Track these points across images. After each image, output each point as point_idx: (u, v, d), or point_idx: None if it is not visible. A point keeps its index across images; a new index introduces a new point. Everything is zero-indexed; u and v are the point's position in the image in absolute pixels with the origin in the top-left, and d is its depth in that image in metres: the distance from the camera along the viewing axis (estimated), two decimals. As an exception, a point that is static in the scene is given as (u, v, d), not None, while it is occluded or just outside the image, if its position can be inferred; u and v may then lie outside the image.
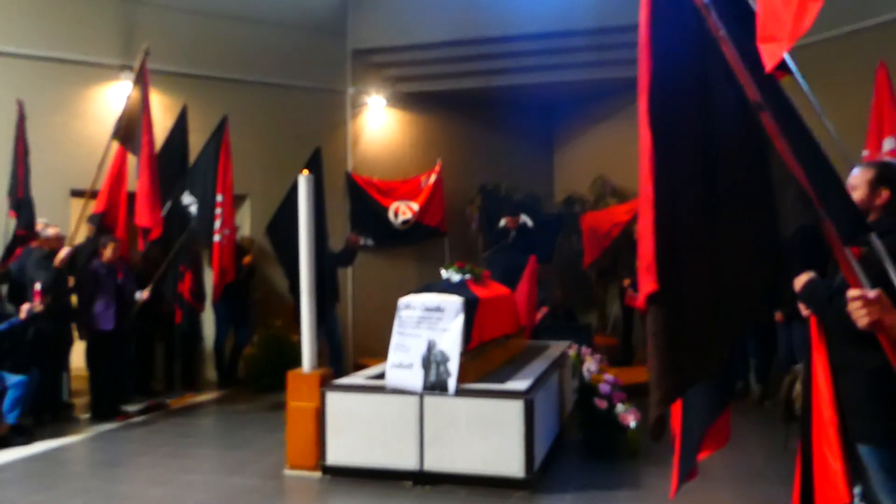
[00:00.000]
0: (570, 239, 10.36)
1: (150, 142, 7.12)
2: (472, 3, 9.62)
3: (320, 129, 9.89)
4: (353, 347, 9.85)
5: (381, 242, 10.31)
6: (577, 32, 9.35)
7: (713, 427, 2.98)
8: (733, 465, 5.24)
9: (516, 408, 4.79)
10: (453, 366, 5.03)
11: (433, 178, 10.43)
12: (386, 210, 10.31)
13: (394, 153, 10.67)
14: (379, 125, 10.58)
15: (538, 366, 5.89)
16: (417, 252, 10.56)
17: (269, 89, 9.66)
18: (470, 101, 10.78)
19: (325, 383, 5.31)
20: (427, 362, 5.08)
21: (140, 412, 7.38)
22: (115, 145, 7.25)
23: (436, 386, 5.00)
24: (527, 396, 4.84)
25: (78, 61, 8.54)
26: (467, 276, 5.87)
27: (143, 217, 7.02)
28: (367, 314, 9.97)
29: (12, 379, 6.23)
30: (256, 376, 8.53)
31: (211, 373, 9.09)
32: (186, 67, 9.11)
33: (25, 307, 6.44)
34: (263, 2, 9.66)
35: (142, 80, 7.24)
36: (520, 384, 5.07)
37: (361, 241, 9.61)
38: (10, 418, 6.19)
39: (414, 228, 10.40)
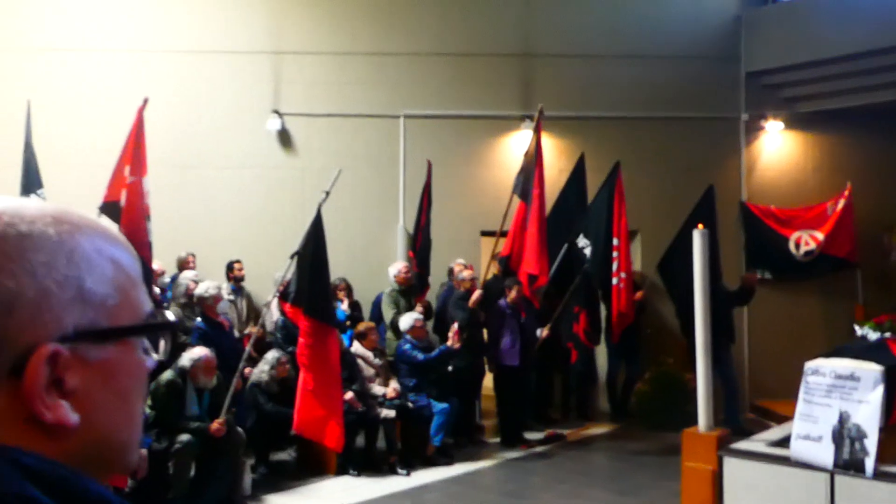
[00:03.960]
0: None
1: (540, 195, 7.69)
2: (892, 9, 8.53)
3: (712, 158, 9.64)
4: (749, 387, 9.38)
5: (780, 275, 9.65)
6: None
7: None
8: None
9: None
10: (871, 444, 4.53)
11: (841, 203, 9.45)
12: (786, 240, 9.61)
13: (793, 179, 9.91)
14: (775, 149, 9.93)
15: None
16: (822, 286, 9.65)
17: (660, 124, 9.69)
18: (884, 116, 9.54)
19: (723, 446, 5.18)
20: (839, 437, 4.65)
21: (540, 442, 7.95)
22: (516, 199, 7.95)
23: (849, 465, 4.55)
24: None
25: (485, 116, 9.55)
26: (887, 335, 5.23)
27: (531, 264, 7.60)
28: (765, 352, 9.40)
29: (437, 406, 7.20)
30: (648, 412, 8.60)
31: (604, 404, 9.41)
32: (580, 111, 9.58)
33: (450, 343, 7.36)
34: (653, 37, 9.74)
35: (536, 138, 7.85)
36: (958, 472, 4.37)
37: (759, 277, 9.10)
38: (436, 441, 7.16)
39: (818, 260, 9.53)
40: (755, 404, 8.92)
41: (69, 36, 9.36)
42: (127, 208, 6.48)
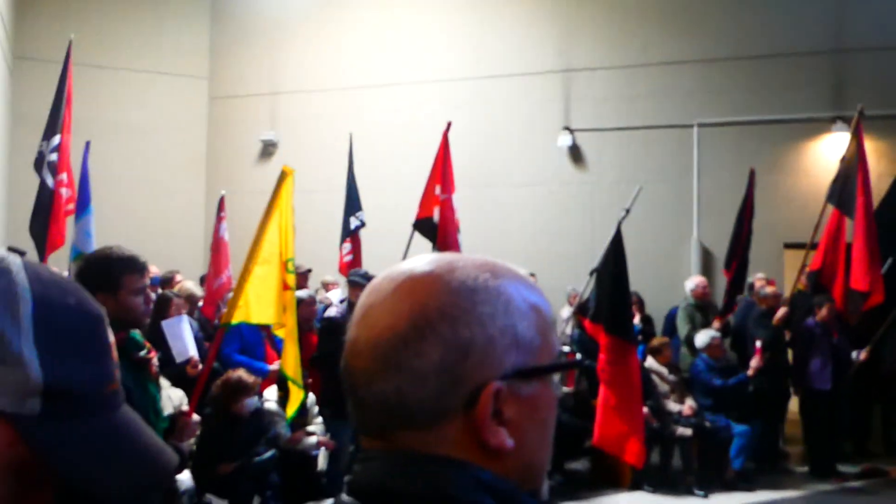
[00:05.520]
0: None
1: (867, 203, 6.95)
2: None
3: None
4: None
5: None
6: None
7: None
8: None
9: None
10: None
11: None
12: None
13: None
14: None
15: None
16: None
17: None
18: None
19: None
20: None
21: (857, 476, 7.21)
22: (830, 208, 7.29)
23: None
24: None
25: (787, 120, 8.92)
26: None
27: (858, 280, 6.90)
28: None
29: (738, 428, 6.87)
30: None
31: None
32: (902, 108, 8.58)
33: (754, 364, 7.00)
34: None
35: (857, 139, 7.13)
36: None
37: None
38: (736, 464, 6.83)
39: None
40: None
41: (382, 72, 10.49)
42: (441, 223, 7.09)
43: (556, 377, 0.86)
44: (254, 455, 4.96)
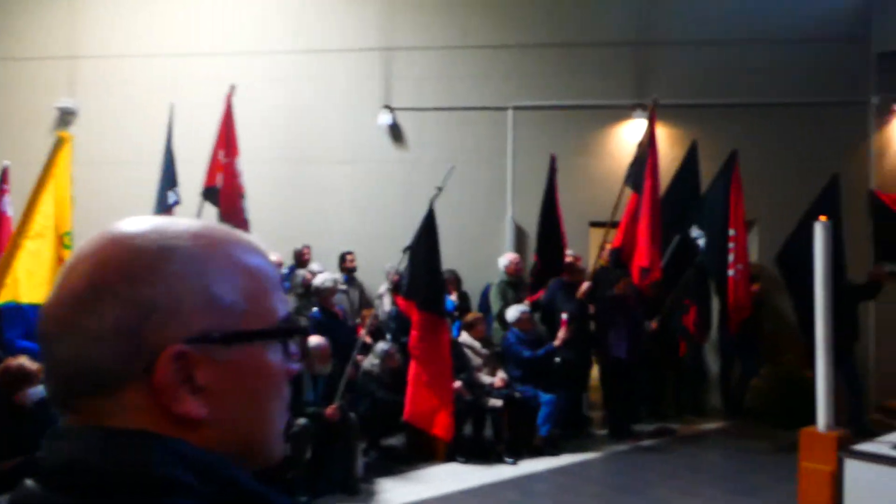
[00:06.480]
0: None
1: (653, 187, 7.52)
2: None
3: (837, 145, 9.16)
4: (874, 386, 8.87)
5: (912, 268, 9.05)
6: None
7: None
8: None
9: None
10: None
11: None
12: (918, 231, 9.01)
13: (929, 166, 9.27)
14: (911, 134, 9.32)
15: None
16: (960, 280, 8.99)
17: (780, 110, 9.29)
18: None
19: (843, 447, 4.96)
20: (974, 441, 4.38)
21: (650, 435, 7.83)
22: (628, 190, 7.81)
23: None
24: None
25: (595, 106, 9.44)
26: None
27: (642, 257, 7.46)
28: (893, 349, 8.87)
29: (545, 397, 7.22)
30: (764, 410, 8.29)
31: (717, 400, 9.14)
32: (696, 98, 9.32)
33: (560, 335, 7.36)
34: (775, 21, 9.33)
35: (650, 128, 7.68)
36: None
37: (887, 270, 8.58)
38: (543, 431, 7.19)
39: (956, 252, 8.88)
40: (881, 404, 8.43)
41: (198, 41, 9.95)
42: (224, 189, 6.89)
43: (293, 346, 0.81)
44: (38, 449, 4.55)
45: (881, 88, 9.25)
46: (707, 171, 8.33)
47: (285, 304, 0.83)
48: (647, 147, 7.65)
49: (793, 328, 8.48)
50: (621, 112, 9.43)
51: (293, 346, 0.82)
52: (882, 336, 9.06)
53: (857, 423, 7.23)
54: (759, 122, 9.26)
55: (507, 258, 8.29)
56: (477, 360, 7.32)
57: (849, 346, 7.54)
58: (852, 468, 4.79)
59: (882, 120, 9.33)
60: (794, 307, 7.90)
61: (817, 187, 7.92)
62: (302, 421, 5.86)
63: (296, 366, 0.83)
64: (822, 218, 5.48)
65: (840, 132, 9.28)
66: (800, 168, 8.91)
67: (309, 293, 7.51)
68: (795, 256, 7.54)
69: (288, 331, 0.82)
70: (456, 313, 8.16)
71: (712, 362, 9.15)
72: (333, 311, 7.21)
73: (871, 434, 5.65)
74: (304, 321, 7.09)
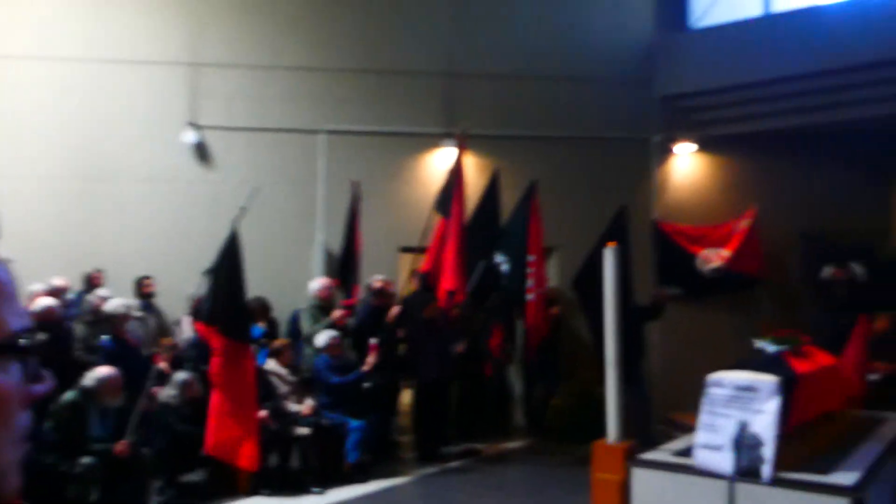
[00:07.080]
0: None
1: (460, 213, 7.77)
2: (813, 35, 8.96)
3: (625, 178, 9.94)
4: (660, 399, 9.62)
5: (689, 292, 9.98)
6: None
7: None
8: None
9: (842, 507, 4.34)
10: (768, 451, 4.71)
11: (745, 222, 9.86)
12: (695, 258, 9.97)
13: (703, 200, 10.30)
14: (687, 171, 10.32)
15: (871, 450, 5.27)
16: (730, 302, 10.03)
17: (576, 144, 9.95)
18: (789, 140, 10.04)
19: (630, 456, 5.30)
20: (738, 445, 4.83)
21: (457, 456, 7.97)
22: (436, 216, 7.99)
23: (748, 472, 4.73)
24: (856, 495, 4.37)
25: (406, 133, 9.60)
26: (784, 348, 5.48)
27: (448, 280, 7.67)
28: (676, 365, 9.68)
29: (353, 423, 7.14)
30: (562, 427, 8.73)
31: (521, 419, 9.50)
32: (499, 129, 9.75)
33: (369, 360, 7.32)
34: (571, 60, 10.01)
35: (458, 157, 7.95)
36: (846, 477, 4.58)
37: (669, 293, 9.39)
38: (352, 457, 7.10)
39: (726, 277, 9.91)
40: (666, 416, 9.16)
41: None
42: None
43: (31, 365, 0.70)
44: None
45: (663, 128, 10.19)
46: (509, 200, 8.72)
47: (22, 318, 0.72)
48: (455, 175, 7.88)
49: (589, 348, 9.05)
50: (431, 140, 9.66)
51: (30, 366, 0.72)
52: (665, 353, 9.88)
53: (643, 435, 7.78)
54: (557, 154, 9.86)
55: (318, 282, 8.17)
56: (284, 388, 7.10)
57: (636, 362, 8.12)
58: (639, 476, 5.13)
59: (663, 157, 10.26)
60: (588, 327, 8.41)
61: (609, 217, 8.54)
62: (87, 460, 5.37)
63: (41, 387, 0.72)
64: (611, 244, 5.88)
65: (627, 166, 10.10)
66: (594, 198, 9.56)
67: (99, 320, 6.95)
68: (589, 280, 8.05)
69: (19, 347, 0.71)
70: (263, 340, 7.89)
71: (516, 383, 9.52)
72: (126, 340, 6.71)
73: (655, 444, 6.09)
74: (96, 350, 6.55)
